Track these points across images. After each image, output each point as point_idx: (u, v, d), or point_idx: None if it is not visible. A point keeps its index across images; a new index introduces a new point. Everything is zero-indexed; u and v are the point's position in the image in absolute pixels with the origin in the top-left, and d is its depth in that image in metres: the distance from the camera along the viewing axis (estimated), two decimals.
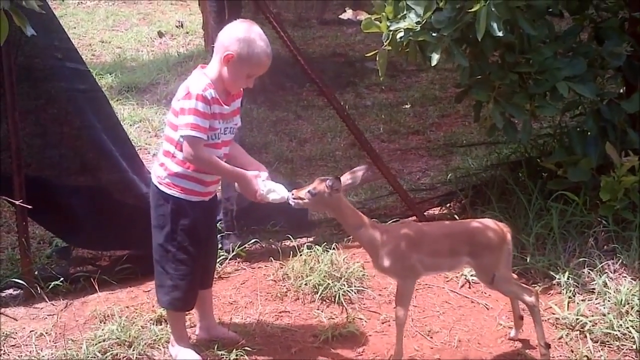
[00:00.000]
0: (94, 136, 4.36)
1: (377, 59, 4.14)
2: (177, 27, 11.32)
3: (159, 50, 10.20)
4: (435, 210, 5.24)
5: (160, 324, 3.96)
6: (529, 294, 3.60)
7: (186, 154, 3.39)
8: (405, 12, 4.02)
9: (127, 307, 4.16)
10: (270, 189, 3.47)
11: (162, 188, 3.52)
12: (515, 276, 3.82)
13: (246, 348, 3.75)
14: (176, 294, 3.62)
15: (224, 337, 3.88)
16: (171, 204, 3.51)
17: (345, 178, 3.47)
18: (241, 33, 3.38)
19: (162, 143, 3.58)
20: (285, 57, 5.07)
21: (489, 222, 3.65)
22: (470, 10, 3.83)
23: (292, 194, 3.44)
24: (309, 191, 3.41)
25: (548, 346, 3.60)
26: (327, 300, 4.22)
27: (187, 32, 11.02)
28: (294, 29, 4.90)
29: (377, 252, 3.51)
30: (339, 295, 4.18)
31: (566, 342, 3.82)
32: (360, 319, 4.05)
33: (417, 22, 3.97)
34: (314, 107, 7.21)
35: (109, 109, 4.69)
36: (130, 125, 6.89)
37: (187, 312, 3.83)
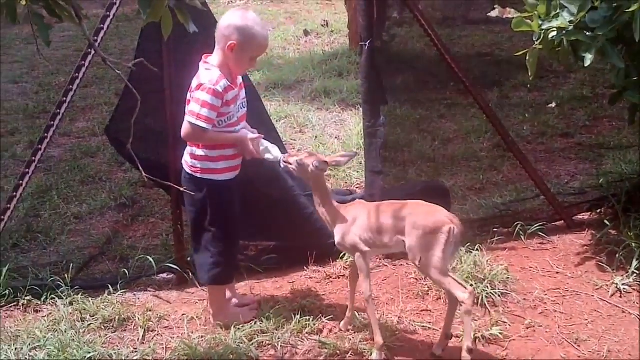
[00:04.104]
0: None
1: (528, 58, 4.06)
2: (322, 25, 11.53)
3: (305, 48, 10.43)
4: (585, 216, 5.06)
5: (305, 314, 4.05)
6: (463, 290, 3.48)
7: (184, 135, 3.74)
8: (558, 11, 3.95)
9: (273, 296, 4.30)
10: (267, 148, 3.79)
11: (197, 175, 3.83)
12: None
13: (387, 344, 3.78)
14: (218, 269, 3.97)
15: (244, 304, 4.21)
16: (207, 188, 3.83)
17: (332, 161, 3.72)
18: (238, 21, 3.68)
19: None
20: (429, 55, 5.06)
21: (432, 207, 3.62)
22: (627, 10, 3.69)
23: (284, 158, 3.75)
24: (297, 160, 3.70)
25: (470, 351, 3.50)
26: None
27: (332, 31, 11.19)
28: (439, 27, 4.86)
29: (332, 229, 3.77)
30: (482, 298, 4.13)
31: None
32: (504, 322, 3.98)
33: (571, 22, 3.90)
34: (458, 107, 7.11)
35: (259, 103, 4.82)
36: (277, 121, 7.04)
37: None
